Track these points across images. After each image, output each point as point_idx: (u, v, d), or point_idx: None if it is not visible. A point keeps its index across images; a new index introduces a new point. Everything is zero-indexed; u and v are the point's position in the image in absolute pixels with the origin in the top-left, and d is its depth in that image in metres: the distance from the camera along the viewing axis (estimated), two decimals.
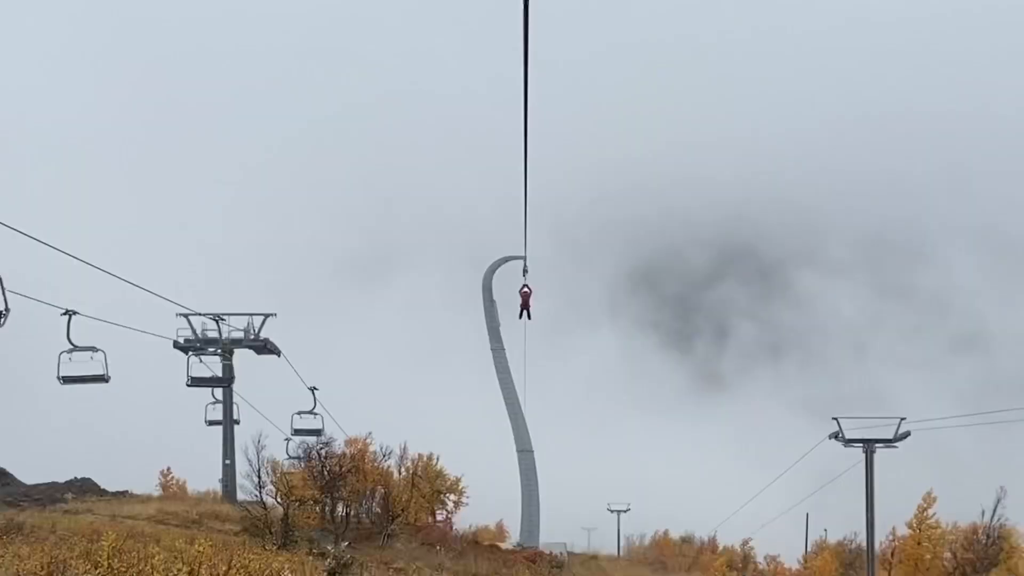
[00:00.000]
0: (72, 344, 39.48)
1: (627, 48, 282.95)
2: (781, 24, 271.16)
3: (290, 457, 54.93)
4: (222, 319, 53.08)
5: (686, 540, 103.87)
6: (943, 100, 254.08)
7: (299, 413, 57.29)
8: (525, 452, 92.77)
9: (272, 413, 55.25)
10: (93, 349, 40.94)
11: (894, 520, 61.74)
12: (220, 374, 53.62)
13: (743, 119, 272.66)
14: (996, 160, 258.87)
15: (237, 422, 54.61)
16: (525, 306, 34.94)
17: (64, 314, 38.05)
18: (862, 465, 53.62)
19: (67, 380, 41.98)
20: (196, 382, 53.48)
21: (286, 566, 26.25)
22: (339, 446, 52.30)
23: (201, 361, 52.42)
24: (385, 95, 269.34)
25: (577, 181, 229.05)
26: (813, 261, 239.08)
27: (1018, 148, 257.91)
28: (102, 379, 42.16)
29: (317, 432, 55.88)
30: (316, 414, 57.07)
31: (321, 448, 50.63)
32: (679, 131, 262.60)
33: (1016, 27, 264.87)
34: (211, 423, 55.71)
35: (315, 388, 56.87)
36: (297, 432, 56.74)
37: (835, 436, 53.89)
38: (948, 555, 59.93)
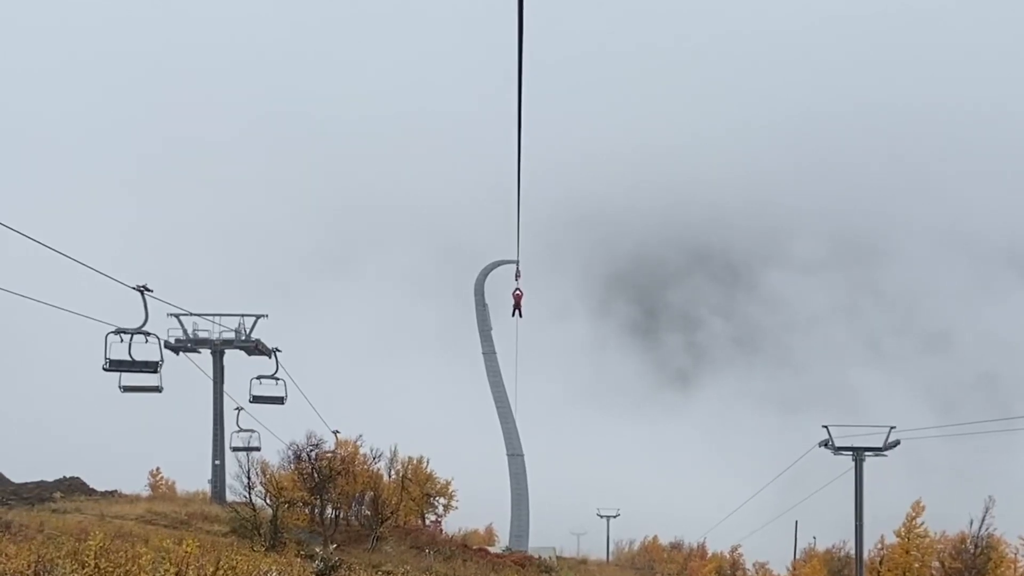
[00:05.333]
0: (132, 358, 41.76)
1: (601, 50, 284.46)
2: (753, 26, 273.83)
3: (234, 449, 52.57)
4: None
5: (675, 546, 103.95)
6: (910, 100, 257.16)
7: (259, 378, 53.05)
8: (515, 456, 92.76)
9: (264, 417, 55.03)
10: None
11: (882, 528, 61.94)
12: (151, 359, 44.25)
13: (714, 119, 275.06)
14: (962, 160, 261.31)
15: (258, 449, 53.33)
16: (517, 306, 37.62)
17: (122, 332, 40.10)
18: (851, 473, 53.88)
19: (127, 390, 44.86)
20: (116, 366, 43.19)
21: (274, 568, 26.23)
22: (294, 405, 50.76)
23: (122, 341, 41.73)
24: (362, 91, 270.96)
25: (549, 181, 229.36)
26: (783, 260, 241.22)
27: (984, 148, 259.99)
28: (157, 390, 45.03)
29: (279, 400, 52.84)
30: (278, 379, 53.08)
31: (311, 450, 50.53)
32: (650, 132, 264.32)
33: (989, 26, 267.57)
34: (235, 449, 53.09)
35: (278, 349, 53.49)
36: (256, 399, 53.13)
37: (825, 444, 54.16)
38: (936, 564, 60.07)
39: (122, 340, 40.87)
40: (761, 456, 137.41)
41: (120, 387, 44.91)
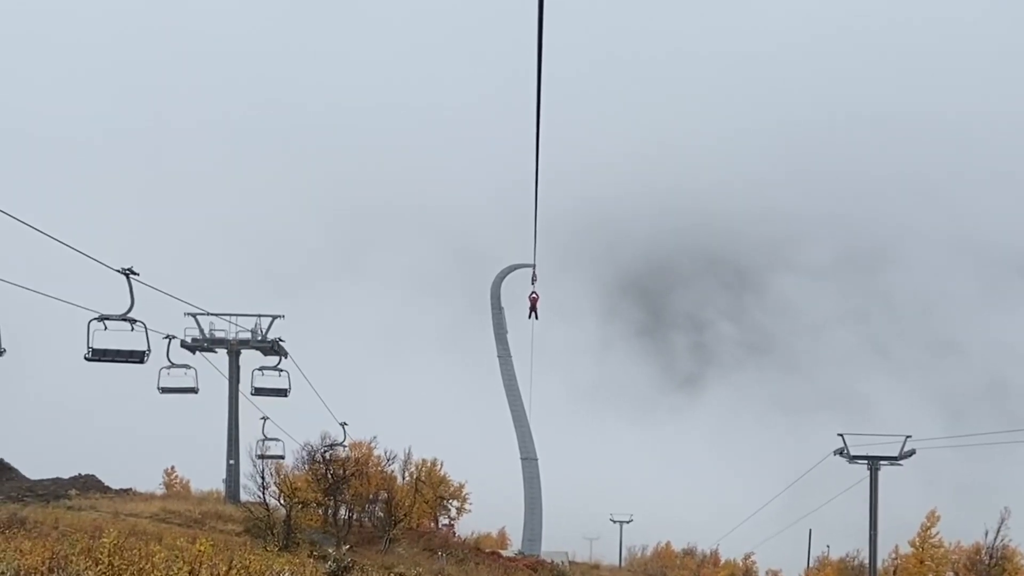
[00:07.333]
0: (171, 362, 44.00)
1: (612, 57, 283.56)
2: (763, 32, 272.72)
3: (259, 457, 50.66)
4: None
5: (688, 552, 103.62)
6: (920, 106, 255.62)
7: (261, 369, 51.19)
8: (529, 460, 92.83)
9: (270, 411, 54.93)
10: (187, 367, 45.93)
11: (896, 537, 61.65)
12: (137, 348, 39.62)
13: (724, 124, 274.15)
14: (971, 166, 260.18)
15: (282, 457, 52.98)
16: (533, 309, 38.50)
17: (164, 338, 41.84)
18: (865, 481, 53.75)
19: (165, 391, 46.03)
20: (98, 355, 38.55)
21: (287, 568, 26.28)
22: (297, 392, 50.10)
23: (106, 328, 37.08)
24: (372, 90, 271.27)
25: (559, 185, 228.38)
26: (791, 265, 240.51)
27: (993, 155, 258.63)
28: (193, 391, 46.61)
29: (282, 392, 51.06)
30: (282, 371, 51.04)
31: (326, 451, 50.65)
32: (659, 137, 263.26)
33: (997, 31, 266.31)
34: (260, 457, 51.07)
35: (281, 339, 52.25)
36: (259, 391, 51.47)
37: (840, 452, 54.00)
38: (951, 574, 59.76)
39: (106, 328, 37.02)
40: (771, 461, 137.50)
41: (159, 388, 45.86)
